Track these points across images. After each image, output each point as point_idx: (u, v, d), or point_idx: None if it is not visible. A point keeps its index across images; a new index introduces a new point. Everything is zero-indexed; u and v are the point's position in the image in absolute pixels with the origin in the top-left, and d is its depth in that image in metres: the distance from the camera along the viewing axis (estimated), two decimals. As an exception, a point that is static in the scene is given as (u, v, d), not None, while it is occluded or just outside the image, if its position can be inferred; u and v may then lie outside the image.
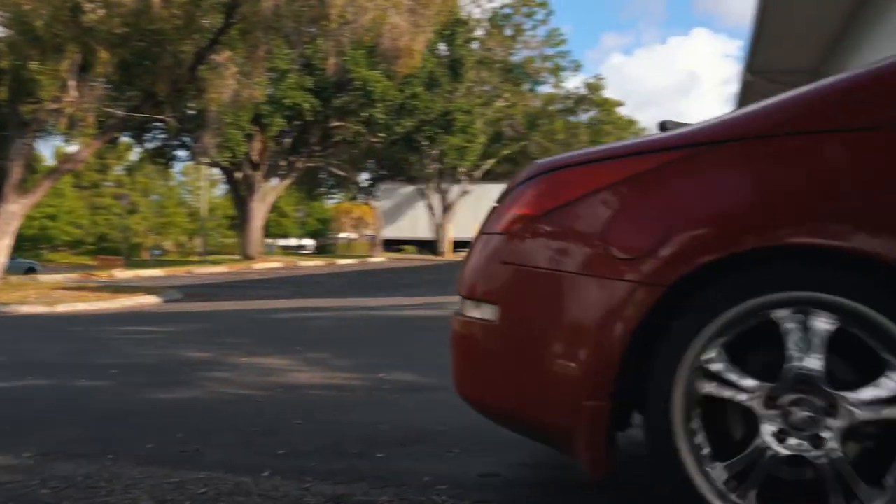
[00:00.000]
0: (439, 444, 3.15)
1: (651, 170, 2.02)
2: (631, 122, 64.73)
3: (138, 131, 26.12)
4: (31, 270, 27.19)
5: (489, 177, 40.29)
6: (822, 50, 20.53)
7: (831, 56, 20.68)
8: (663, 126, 2.82)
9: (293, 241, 49.82)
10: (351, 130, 28.25)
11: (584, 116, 51.00)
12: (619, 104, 53.67)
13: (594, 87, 48.53)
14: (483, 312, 2.22)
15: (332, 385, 4.59)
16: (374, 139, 30.15)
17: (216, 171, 30.58)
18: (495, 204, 2.43)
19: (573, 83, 62.91)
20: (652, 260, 1.90)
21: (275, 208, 29.39)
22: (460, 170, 37.07)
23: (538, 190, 2.20)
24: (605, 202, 2.04)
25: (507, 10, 39.05)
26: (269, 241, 29.45)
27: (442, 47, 32.22)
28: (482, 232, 2.36)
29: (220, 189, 40.38)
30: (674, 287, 1.87)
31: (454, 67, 33.35)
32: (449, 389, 4.33)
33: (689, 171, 1.98)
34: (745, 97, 26.50)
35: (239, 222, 28.74)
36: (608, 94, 51.06)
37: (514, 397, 2.16)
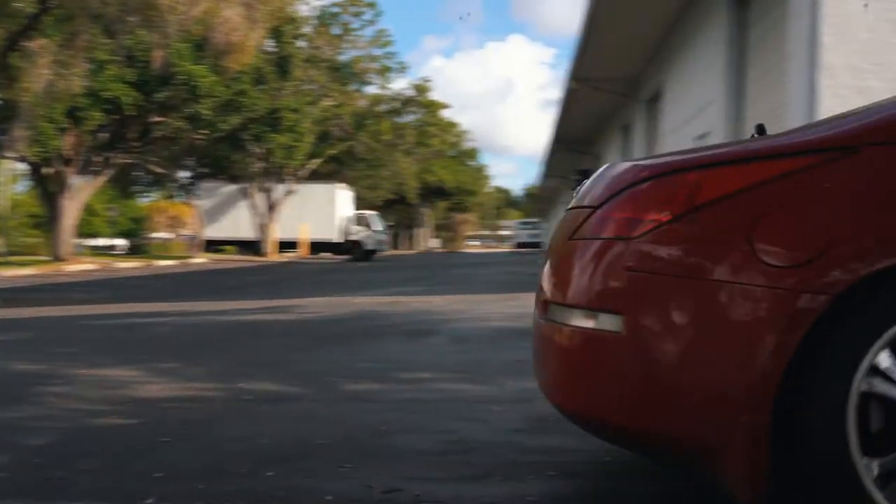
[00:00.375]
0: (328, 459, 3.04)
1: (806, 169, 1.91)
2: (452, 125, 65.86)
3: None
4: None
5: (315, 177, 39.82)
6: (642, 60, 21.95)
7: (649, 66, 22.13)
8: (761, 129, 2.70)
9: (103, 242, 46.85)
10: (172, 126, 26.95)
11: (409, 118, 51.52)
12: (445, 106, 54.64)
13: (421, 89, 49.16)
14: (600, 322, 2.04)
15: (191, 397, 4.33)
16: (197, 136, 28.94)
17: (22, 166, 28.15)
18: (577, 206, 2.31)
19: (399, 84, 63.51)
20: (819, 267, 1.80)
21: (85, 206, 27.44)
22: (286, 169, 36.36)
23: (663, 193, 2.05)
24: (752, 206, 1.92)
25: (335, 9, 38.76)
26: (78, 241, 27.45)
27: (269, 44, 31.45)
28: (579, 237, 2.20)
29: (23, 185, 37.30)
30: (846, 294, 1.77)
31: (282, 65, 32.70)
32: (315, 399, 4.24)
33: (854, 170, 1.89)
34: (568, 104, 27.85)
35: (46, 221, 26.66)
36: (433, 96, 51.91)
37: (642, 413, 1.99)
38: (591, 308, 2.08)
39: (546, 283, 2.37)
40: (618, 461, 2.95)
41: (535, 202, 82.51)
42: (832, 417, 1.80)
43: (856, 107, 2.34)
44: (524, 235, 59.35)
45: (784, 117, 11.10)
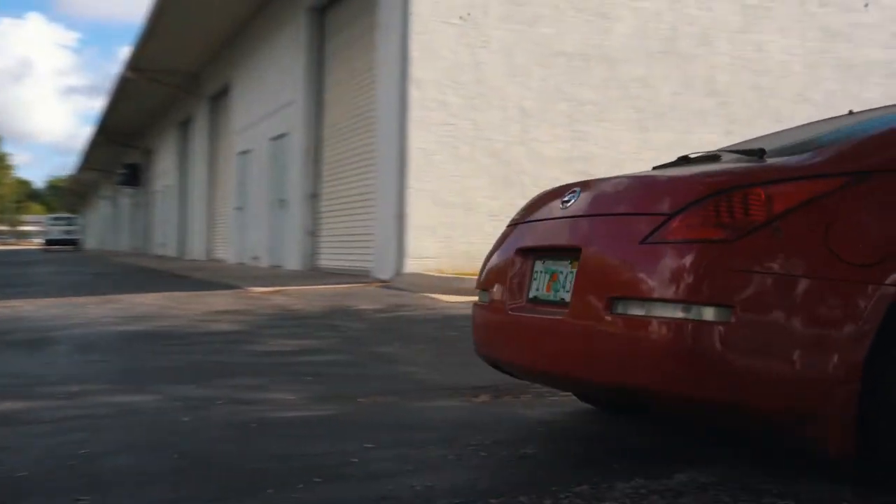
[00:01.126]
0: (52, 494, 2.41)
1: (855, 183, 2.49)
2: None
3: None
4: None
5: None
6: (208, 54, 21.39)
7: (217, 61, 21.65)
8: (761, 152, 2.87)
9: None
10: None
11: None
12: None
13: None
14: (707, 314, 2.36)
15: None
16: None
17: None
18: (626, 213, 2.76)
19: None
20: (886, 265, 2.34)
21: None
22: None
23: (749, 203, 2.43)
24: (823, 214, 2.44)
25: None
26: None
27: None
28: (659, 241, 2.49)
29: None
30: None
31: None
32: (52, 420, 3.33)
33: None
34: (121, 93, 25.96)
35: None
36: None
37: (747, 390, 2.36)
38: (698, 303, 2.38)
39: (608, 282, 2.63)
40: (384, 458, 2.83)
41: (66, 196, 75.26)
42: None
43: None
44: (57, 232, 53.30)
45: (373, 124, 11.79)
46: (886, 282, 2.30)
